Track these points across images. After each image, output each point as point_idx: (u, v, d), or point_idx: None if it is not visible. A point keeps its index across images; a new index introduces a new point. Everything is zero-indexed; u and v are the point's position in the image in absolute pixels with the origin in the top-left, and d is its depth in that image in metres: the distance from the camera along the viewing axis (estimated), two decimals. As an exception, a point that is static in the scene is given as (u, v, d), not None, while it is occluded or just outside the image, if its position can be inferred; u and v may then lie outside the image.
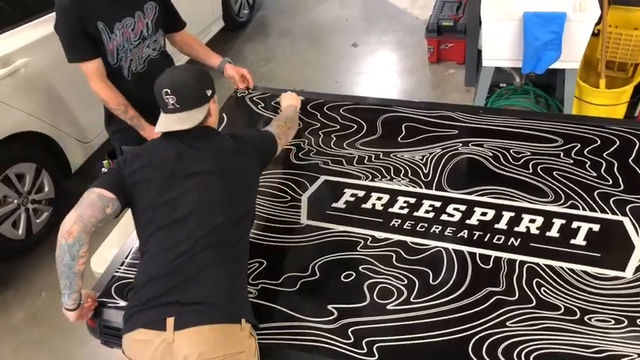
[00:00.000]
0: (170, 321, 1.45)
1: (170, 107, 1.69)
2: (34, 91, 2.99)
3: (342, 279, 1.77)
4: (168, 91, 1.68)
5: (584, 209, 1.88)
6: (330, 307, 1.68)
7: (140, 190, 1.64)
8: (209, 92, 1.76)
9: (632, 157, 2.06)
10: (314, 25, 5.23)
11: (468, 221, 1.89)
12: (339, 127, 2.39)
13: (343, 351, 1.57)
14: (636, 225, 1.81)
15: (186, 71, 1.76)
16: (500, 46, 3.18)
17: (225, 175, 1.69)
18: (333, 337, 1.60)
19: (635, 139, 2.14)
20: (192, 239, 1.56)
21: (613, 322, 1.55)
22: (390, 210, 1.97)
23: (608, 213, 1.85)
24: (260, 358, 1.56)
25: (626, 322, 1.54)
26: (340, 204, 2.02)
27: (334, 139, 2.32)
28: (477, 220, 1.89)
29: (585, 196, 1.92)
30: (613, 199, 1.90)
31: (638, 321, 1.54)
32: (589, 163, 2.05)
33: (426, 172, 2.10)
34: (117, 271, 1.89)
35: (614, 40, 3.31)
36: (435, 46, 4.32)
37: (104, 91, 2.21)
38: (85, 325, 1.80)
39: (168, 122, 1.71)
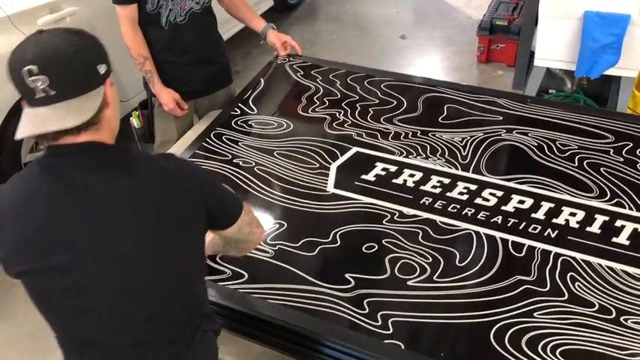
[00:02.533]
0: None
1: (40, 96, 1.02)
2: (77, 41, 2.98)
3: (363, 249, 1.68)
4: (34, 69, 1.00)
5: (630, 209, 1.74)
6: (347, 275, 1.60)
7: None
8: (102, 68, 1.09)
9: (689, 163, 1.92)
10: (363, 14, 5.14)
11: (503, 207, 1.78)
12: (378, 101, 2.30)
13: (356, 321, 1.48)
14: (686, 231, 1.67)
15: (61, 36, 1.06)
16: (555, 46, 3.05)
17: (148, 244, 1.11)
18: (347, 305, 1.52)
19: (693, 146, 1.99)
20: None
21: (652, 326, 1.42)
22: (422, 188, 1.87)
23: (656, 215, 1.72)
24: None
25: (666, 329, 1.42)
26: (370, 176, 1.94)
27: (372, 112, 2.23)
28: (514, 207, 1.77)
29: (633, 196, 1.78)
30: (663, 202, 1.77)
31: (679, 328, 1.41)
32: (640, 163, 1.91)
33: (464, 154, 1.99)
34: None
35: (678, 52, 3.14)
36: (485, 45, 4.19)
37: (130, 38, 2.18)
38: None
39: (37, 121, 1.02)
